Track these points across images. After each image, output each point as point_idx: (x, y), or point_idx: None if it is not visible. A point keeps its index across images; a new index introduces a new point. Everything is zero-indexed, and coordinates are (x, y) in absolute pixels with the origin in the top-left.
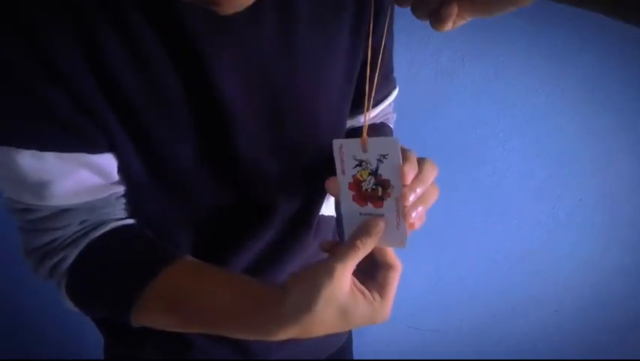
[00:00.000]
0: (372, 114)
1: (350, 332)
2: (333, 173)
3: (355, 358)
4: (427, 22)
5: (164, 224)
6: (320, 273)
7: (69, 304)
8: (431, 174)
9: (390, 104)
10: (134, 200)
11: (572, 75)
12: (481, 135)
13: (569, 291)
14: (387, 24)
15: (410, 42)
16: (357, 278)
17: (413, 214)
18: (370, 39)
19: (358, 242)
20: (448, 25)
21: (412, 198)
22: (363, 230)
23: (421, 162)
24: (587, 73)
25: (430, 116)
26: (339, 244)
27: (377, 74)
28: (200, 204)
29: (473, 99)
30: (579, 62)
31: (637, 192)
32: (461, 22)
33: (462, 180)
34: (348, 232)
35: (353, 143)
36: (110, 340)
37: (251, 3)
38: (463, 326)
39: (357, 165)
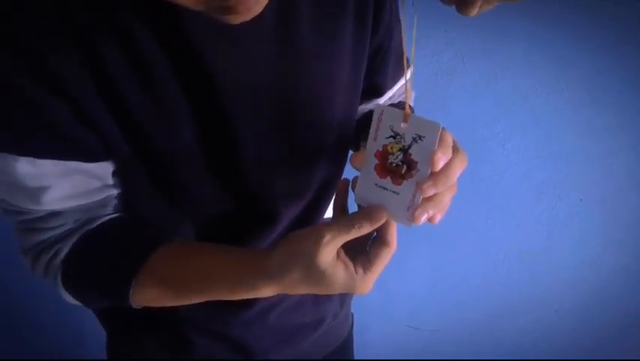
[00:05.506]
0: (390, 93)
1: (350, 329)
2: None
3: (355, 358)
4: (427, 22)
5: (164, 229)
6: (309, 238)
7: (67, 296)
8: (459, 169)
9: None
10: (133, 205)
11: (572, 75)
12: (481, 135)
13: (569, 291)
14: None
15: (410, 42)
16: (348, 246)
17: (423, 217)
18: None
19: (357, 223)
20: (475, 10)
21: (431, 192)
22: (366, 215)
23: (454, 152)
24: (586, 73)
25: (429, 115)
26: (343, 207)
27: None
28: (203, 211)
29: (473, 99)
30: (579, 62)
31: (637, 192)
32: (488, 7)
33: (462, 180)
34: (357, 194)
35: (394, 113)
36: (112, 336)
37: (260, 10)
38: (463, 326)
39: (390, 137)
